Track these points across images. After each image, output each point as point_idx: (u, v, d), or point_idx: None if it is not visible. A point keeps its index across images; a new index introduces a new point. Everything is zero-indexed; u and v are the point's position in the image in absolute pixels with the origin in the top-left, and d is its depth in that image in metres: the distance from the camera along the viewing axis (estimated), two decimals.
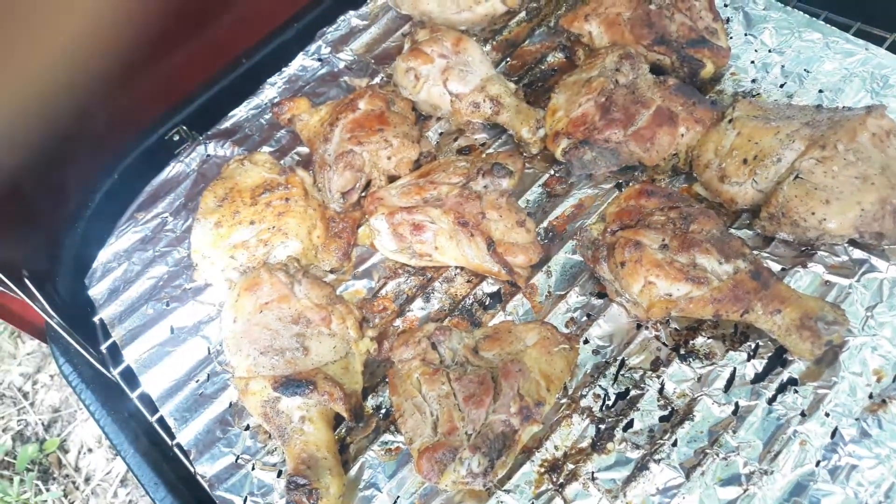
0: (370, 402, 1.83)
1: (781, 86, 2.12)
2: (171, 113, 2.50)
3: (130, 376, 2.00)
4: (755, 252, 1.84)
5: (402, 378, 1.73)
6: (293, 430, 1.70)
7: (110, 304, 2.12)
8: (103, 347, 2.08)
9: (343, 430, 1.80)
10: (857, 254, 1.78)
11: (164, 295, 2.10)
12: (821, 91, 2.08)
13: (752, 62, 2.19)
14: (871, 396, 1.60)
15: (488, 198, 1.95)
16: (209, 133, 2.44)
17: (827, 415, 1.58)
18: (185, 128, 2.48)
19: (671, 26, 2.15)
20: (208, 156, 2.40)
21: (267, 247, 1.97)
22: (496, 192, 1.96)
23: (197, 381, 1.93)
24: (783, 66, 2.15)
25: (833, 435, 1.56)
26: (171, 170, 2.39)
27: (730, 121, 1.93)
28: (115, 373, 2.02)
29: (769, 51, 2.20)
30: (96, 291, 2.15)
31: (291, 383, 1.70)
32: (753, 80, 2.16)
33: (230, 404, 1.89)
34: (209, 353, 1.98)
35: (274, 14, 2.68)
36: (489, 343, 1.74)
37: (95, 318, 2.12)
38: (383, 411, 1.81)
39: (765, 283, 1.65)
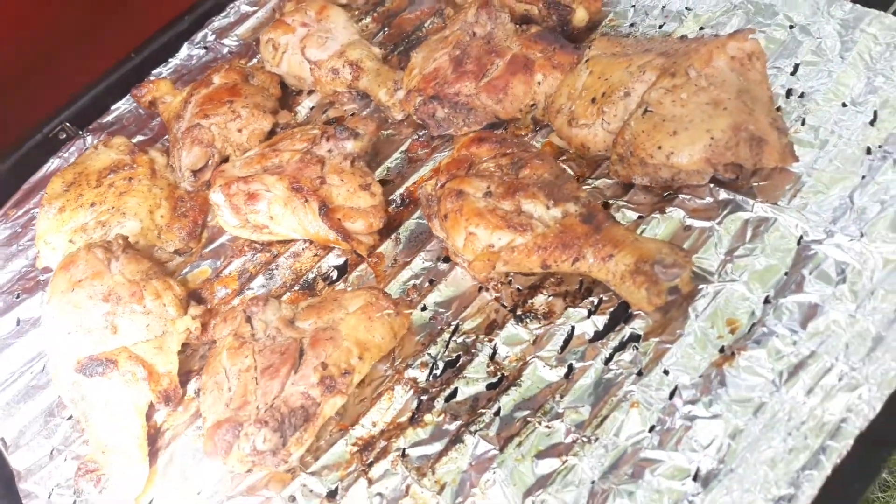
0: (194, 386, 1.68)
1: (660, 27, 1.93)
2: (57, 111, 2.45)
3: None
4: (615, 200, 1.64)
5: (213, 355, 1.58)
6: (97, 415, 1.57)
7: None
8: None
9: (164, 416, 1.65)
10: (724, 195, 1.56)
11: (16, 287, 2.01)
12: (702, 28, 1.87)
13: (633, 6, 2.00)
14: (722, 350, 1.36)
15: (332, 162, 1.81)
16: (89, 127, 2.38)
17: (666, 372, 1.35)
18: (68, 124, 2.42)
19: None
20: (92, 146, 2.33)
21: (105, 228, 1.86)
22: (340, 156, 1.82)
23: (32, 373, 1.82)
24: (664, 7, 1.95)
25: (672, 395, 1.33)
26: (50, 166, 2.33)
27: (586, 61, 1.75)
28: None
29: None
30: None
31: (91, 363, 1.57)
32: (632, 25, 1.97)
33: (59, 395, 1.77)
34: None
35: (167, 8, 2.63)
36: (307, 312, 1.58)
37: None
38: None
39: (597, 226, 1.45)
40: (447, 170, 1.63)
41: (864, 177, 1.50)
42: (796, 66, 1.71)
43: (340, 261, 1.80)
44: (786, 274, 1.42)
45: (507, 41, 1.87)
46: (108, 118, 2.39)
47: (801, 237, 1.45)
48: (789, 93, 1.67)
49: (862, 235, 1.40)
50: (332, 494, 1.42)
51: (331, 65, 2.03)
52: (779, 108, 1.65)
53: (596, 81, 1.67)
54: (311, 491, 1.43)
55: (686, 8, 1.92)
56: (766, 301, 1.40)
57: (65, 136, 2.43)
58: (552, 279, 1.56)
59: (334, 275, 1.79)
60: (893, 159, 1.49)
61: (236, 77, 2.05)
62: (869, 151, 1.53)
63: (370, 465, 1.42)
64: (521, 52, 1.83)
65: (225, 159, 2.00)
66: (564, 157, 1.76)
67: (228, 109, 1.96)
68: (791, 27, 1.77)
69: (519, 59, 1.82)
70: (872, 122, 1.57)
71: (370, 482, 1.40)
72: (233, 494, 1.47)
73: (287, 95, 2.20)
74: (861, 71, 1.64)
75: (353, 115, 2.09)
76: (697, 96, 1.52)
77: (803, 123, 1.61)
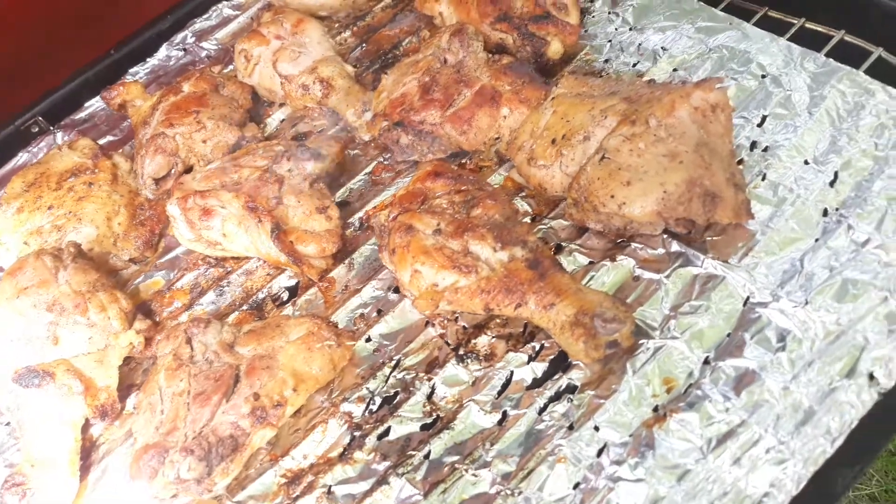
0: (134, 401, 1.66)
1: (634, 65, 1.90)
2: (31, 104, 2.43)
3: None
4: (568, 243, 1.62)
5: (153, 373, 1.57)
6: (31, 426, 1.56)
7: None
8: None
9: (101, 429, 1.64)
10: (676, 246, 1.54)
11: None
12: (675, 70, 1.85)
13: (609, 42, 1.98)
14: (655, 409, 1.34)
15: (290, 182, 1.79)
16: (61, 123, 2.36)
17: (597, 429, 1.34)
18: (41, 118, 2.40)
19: (517, 2, 1.96)
20: (57, 146, 2.31)
21: (60, 232, 1.85)
22: (300, 176, 1.80)
23: None
24: (640, 45, 1.93)
25: (600, 453, 1.31)
26: (19, 160, 2.31)
27: (552, 99, 1.72)
28: None
29: (630, 29, 1.98)
30: None
31: (28, 374, 1.55)
32: (606, 61, 1.94)
33: None
34: None
35: (153, 5, 2.61)
36: (248, 337, 1.56)
37: None
38: None
39: (542, 273, 1.43)
40: (400, 202, 1.61)
41: (817, 240, 1.47)
42: (764, 118, 1.69)
43: (292, 282, 1.78)
44: (728, 335, 1.40)
45: (477, 71, 1.85)
46: (81, 115, 2.37)
47: (748, 298, 1.43)
48: (753, 145, 1.65)
49: (807, 303, 1.38)
50: None
51: (301, 80, 2.02)
52: (741, 161, 1.63)
53: (558, 122, 1.65)
54: None
55: (662, 48, 1.90)
56: (706, 362, 1.38)
57: (37, 129, 2.42)
58: (497, 320, 1.55)
59: (285, 296, 1.77)
60: (848, 224, 1.47)
61: (206, 87, 2.03)
62: (826, 213, 1.51)
63: (295, 499, 1.41)
64: (490, 83, 1.81)
65: (189, 169, 1.98)
66: (524, 194, 1.75)
67: (194, 120, 1.94)
68: (763, 76, 1.75)
69: (486, 91, 1.80)
70: (832, 183, 1.55)
71: None
72: None
73: (259, 106, 2.17)
74: (826, 128, 1.62)
75: (321, 131, 2.07)
76: (655, 147, 1.50)
77: (763, 178, 1.59)
